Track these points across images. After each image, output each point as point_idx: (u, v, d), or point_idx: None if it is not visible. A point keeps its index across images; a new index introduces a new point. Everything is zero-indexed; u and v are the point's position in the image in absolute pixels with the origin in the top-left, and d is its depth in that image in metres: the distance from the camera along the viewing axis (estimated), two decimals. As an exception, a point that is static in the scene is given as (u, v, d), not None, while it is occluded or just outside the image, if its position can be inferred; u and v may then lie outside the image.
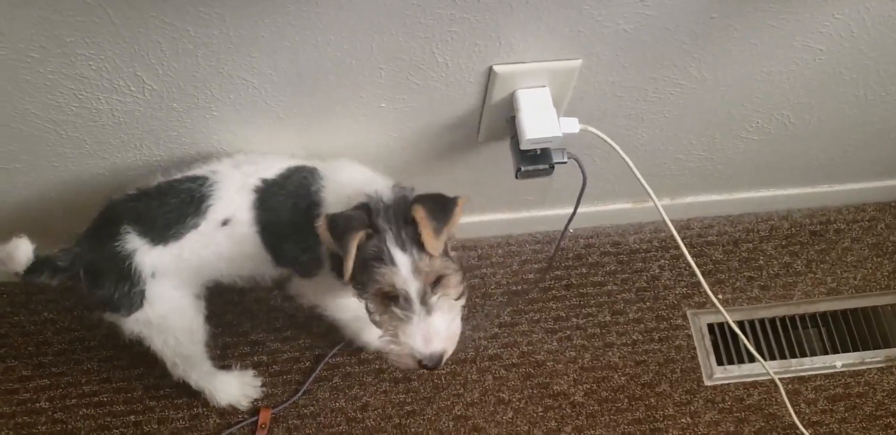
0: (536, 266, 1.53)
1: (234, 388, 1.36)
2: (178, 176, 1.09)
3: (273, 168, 1.10)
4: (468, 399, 1.42)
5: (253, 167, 1.10)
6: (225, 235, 1.06)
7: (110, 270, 1.05)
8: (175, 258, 1.06)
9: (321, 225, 0.96)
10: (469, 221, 1.51)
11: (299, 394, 1.40)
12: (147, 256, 1.05)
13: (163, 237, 1.04)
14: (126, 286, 1.05)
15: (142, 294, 1.06)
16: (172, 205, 1.05)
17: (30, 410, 1.38)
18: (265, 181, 1.08)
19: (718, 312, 1.50)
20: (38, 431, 1.36)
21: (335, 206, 1.04)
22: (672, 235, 1.57)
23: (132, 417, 1.38)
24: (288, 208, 1.06)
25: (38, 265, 1.03)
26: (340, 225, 0.95)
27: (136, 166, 1.18)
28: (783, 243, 1.61)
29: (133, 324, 1.10)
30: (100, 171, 1.19)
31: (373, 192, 1.00)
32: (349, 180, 1.06)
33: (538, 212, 1.52)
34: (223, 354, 1.40)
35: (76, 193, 1.23)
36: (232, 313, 1.43)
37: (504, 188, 1.43)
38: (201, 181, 1.08)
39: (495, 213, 1.51)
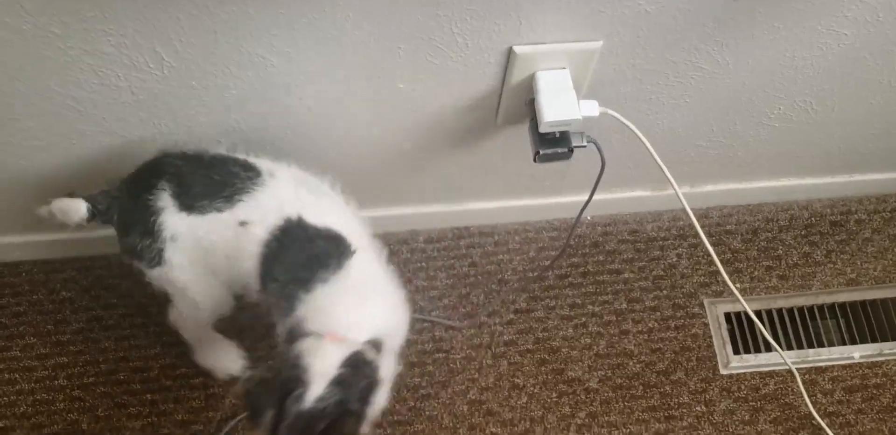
0: (553, 253, 1.52)
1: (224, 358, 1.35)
2: (238, 156, 1.08)
3: (324, 216, 1.04)
4: (483, 384, 1.42)
5: (310, 198, 1.05)
6: (234, 235, 1.04)
7: (139, 221, 1.05)
8: (190, 231, 1.05)
9: (237, 390, 0.94)
10: (486, 207, 1.51)
11: None
12: (171, 217, 1.04)
13: (190, 206, 1.04)
14: (149, 241, 1.05)
15: (161, 253, 1.06)
16: (213, 180, 1.04)
17: (48, 388, 1.39)
18: (300, 221, 1.03)
19: (736, 301, 1.49)
20: (56, 407, 1.37)
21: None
22: (690, 224, 1.57)
23: (149, 396, 1.39)
24: (289, 260, 1.03)
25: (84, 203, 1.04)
26: (254, 402, 0.93)
27: (154, 145, 1.18)
28: (803, 233, 1.59)
29: (155, 277, 1.10)
30: (118, 149, 1.19)
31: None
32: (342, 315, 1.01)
33: (556, 198, 1.51)
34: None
35: (94, 171, 1.23)
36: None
37: (521, 174, 1.42)
38: (253, 175, 1.05)
39: (512, 199, 1.51)
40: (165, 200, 1.04)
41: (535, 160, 1.17)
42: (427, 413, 1.40)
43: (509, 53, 1.08)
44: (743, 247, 1.57)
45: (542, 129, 1.12)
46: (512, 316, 1.48)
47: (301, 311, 1.01)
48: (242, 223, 1.04)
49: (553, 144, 1.15)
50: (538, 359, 1.45)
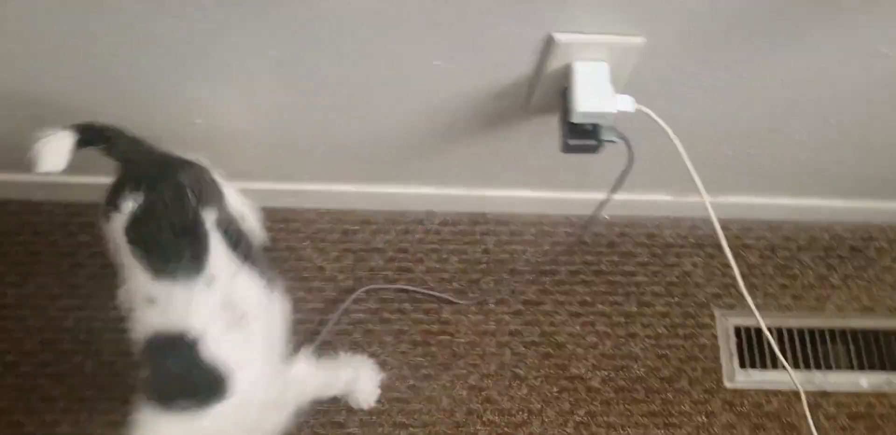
0: (567, 249, 1.52)
1: None
2: (211, 238, 0.99)
3: (222, 352, 0.95)
4: (484, 371, 1.42)
5: (217, 330, 0.95)
6: (142, 300, 0.97)
7: (115, 192, 1.01)
8: (125, 249, 0.99)
9: None
10: (505, 196, 1.51)
11: (316, 343, 1.40)
12: (118, 225, 0.99)
13: (130, 236, 0.97)
14: (106, 211, 1.02)
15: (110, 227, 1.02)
16: (159, 243, 0.95)
17: (57, 328, 1.39)
18: (193, 344, 0.94)
19: (747, 315, 1.48)
20: (62, 348, 1.38)
21: None
22: (709, 233, 1.57)
23: (153, 349, 1.40)
24: (162, 370, 0.96)
25: (102, 135, 1.01)
26: None
27: (197, 98, 1.20)
28: (821, 255, 1.58)
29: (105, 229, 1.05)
30: (158, 101, 1.20)
31: None
32: None
33: (575, 194, 1.51)
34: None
35: (132, 119, 1.24)
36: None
37: (544, 166, 1.42)
38: (192, 271, 0.95)
39: (532, 190, 1.50)
40: (126, 208, 0.98)
41: (562, 150, 1.17)
42: (426, 393, 1.39)
43: (549, 40, 1.08)
44: (760, 262, 1.56)
45: (574, 119, 1.11)
46: (520, 307, 1.47)
47: (142, 419, 0.96)
48: (150, 300, 0.97)
49: (583, 136, 1.14)
50: (542, 352, 1.44)
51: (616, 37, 1.08)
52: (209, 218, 0.99)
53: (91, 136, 1.01)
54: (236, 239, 1.02)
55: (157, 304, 0.96)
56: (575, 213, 1.55)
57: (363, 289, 1.44)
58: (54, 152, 0.96)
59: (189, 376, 0.94)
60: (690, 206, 1.54)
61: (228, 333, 0.96)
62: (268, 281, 1.05)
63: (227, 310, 0.97)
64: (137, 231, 0.97)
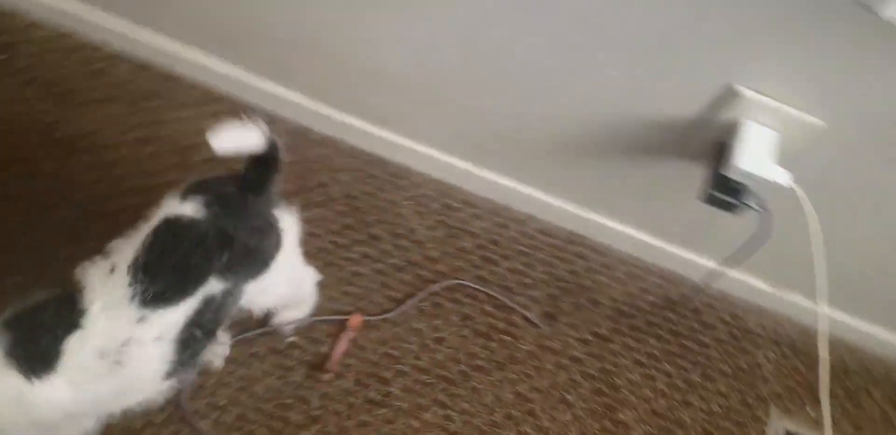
0: (653, 299, 1.46)
1: None
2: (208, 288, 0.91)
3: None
4: (536, 384, 1.32)
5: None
6: (107, 268, 0.91)
7: (197, 186, 0.97)
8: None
9: None
10: (611, 227, 1.47)
11: (394, 312, 1.33)
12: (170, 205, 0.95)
13: (156, 229, 0.92)
14: (181, 190, 0.97)
15: None
16: (161, 263, 0.89)
17: (148, 203, 1.29)
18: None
19: (801, 423, 1.41)
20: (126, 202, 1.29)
21: None
22: (789, 334, 1.52)
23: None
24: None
25: (270, 163, 0.95)
26: None
27: (376, 27, 1.20)
28: (890, 395, 1.51)
29: None
30: (336, 19, 1.21)
31: None
32: None
33: (679, 250, 1.47)
34: (340, 232, 1.38)
35: (298, 34, 1.24)
36: (366, 202, 1.42)
37: (662, 212, 1.40)
38: (146, 303, 0.88)
39: (640, 231, 1.47)
40: (183, 206, 0.92)
41: (701, 199, 1.13)
42: (473, 383, 1.29)
43: (731, 90, 1.07)
44: (830, 381, 1.49)
45: (727, 172, 1.08)
46: (589, 337, 1.40)
47: None
48: (112, 270, 0.90)
49: (727, 192, 1.11)
50: (596, 388, 1.35)
51: (797, 112, 1.07)
52: (209, 285, 0.90)
53: (263, 159, 0.95)
54: (202, 322, 0.92)
55: (109, 281, 0.88)
56: (669, 267, 1.51)
57: (454, 281, 1.38)
58: (233, 141, 0.91)
59: (41, 332, 0.85)
60: (782, 302, 1.50)
61: (94, 356, 0.86)
62: (175, 375, 0.94)
63: (120, 347, 0.87)
64: (164, 231, 0.91)
